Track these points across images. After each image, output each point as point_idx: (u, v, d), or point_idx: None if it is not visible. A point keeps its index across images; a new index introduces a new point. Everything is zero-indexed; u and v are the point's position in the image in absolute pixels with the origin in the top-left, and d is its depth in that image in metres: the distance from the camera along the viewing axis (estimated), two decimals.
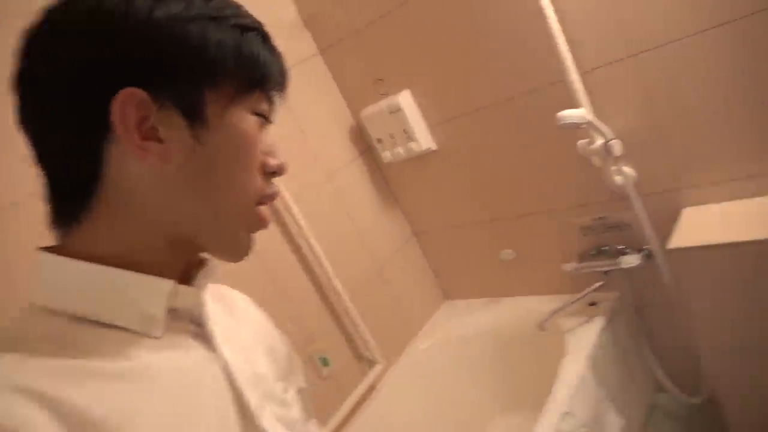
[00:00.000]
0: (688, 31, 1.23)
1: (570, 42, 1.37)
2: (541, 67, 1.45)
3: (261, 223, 0.59)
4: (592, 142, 1.44)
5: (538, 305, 1.83)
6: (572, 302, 1.62)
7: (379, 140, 1.80)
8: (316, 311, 1.75)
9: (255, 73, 0.55)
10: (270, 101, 0.59)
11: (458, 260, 2.04)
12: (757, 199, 1.30)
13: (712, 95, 1.27)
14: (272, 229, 1.65)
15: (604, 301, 1.67)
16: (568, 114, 1.33)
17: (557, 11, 1.35)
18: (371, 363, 1.82)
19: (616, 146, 1.40)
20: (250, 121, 0.56)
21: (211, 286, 0.62)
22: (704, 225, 1.32)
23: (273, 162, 0.59)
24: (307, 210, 1.70)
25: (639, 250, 1.55)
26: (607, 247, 1.61)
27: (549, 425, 1.34)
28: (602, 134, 1.39)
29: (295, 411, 0.66)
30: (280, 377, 0.67)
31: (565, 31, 1.37)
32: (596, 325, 1.59)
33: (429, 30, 1.59)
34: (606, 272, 1.58)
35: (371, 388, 1.82)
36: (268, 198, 0.59)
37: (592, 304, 1.69)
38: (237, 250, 0.59)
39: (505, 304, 1.96)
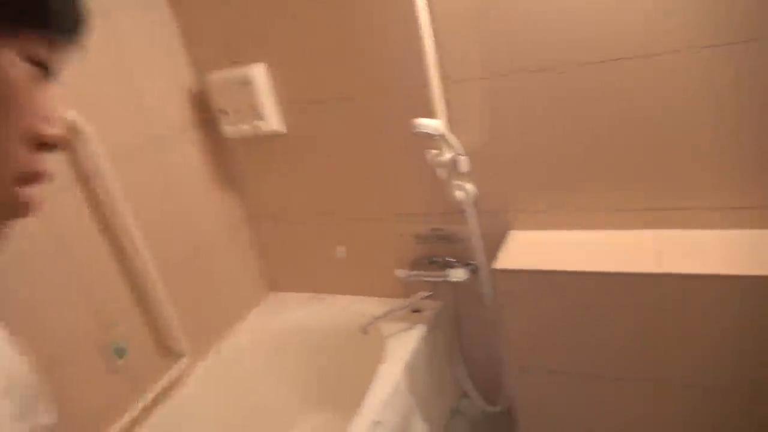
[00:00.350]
0: (542, 65, 1.30)
1: (439, 49, 1.36)
2: (406, 70, 1.42)
3: (20, 209, 0.45)
4: (441, 155, 1.44)
5: (365, 307, 1.81)
6: (398, 309, 1.63)
7: (224, 112, 1.62)
8: (117, 292, 1.51)
9: (27, 3, 0.41)
10: (53, 48, 0.44)
11: (290, 251, 1.94)
12: (580, 232, 1.42)
13: (550, 127, 1.35)
14: (71, 190, 1.38)
15: (428, 309, 1.71)
16: (425, 123, 1.31)
17: (432, 15, 1.33)
18: (177, 356, 1.63)
19: (463, 162, 1.42)
20: (19, 68, 0.42)
21: None
22: (529, 249, 1.40)
23: (48, 131, 0.45)
24: (123, 174, 1.46)
25: (466, 264, 1.61)
26: (438, 259, 1.65)
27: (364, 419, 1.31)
28: (452, 148, 1.41)
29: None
30: (18, 416, 0.52)
31: (435, 37, 1.35)
32: (417, 333, 1.62)
33: (298, 3, 1.47)
34: (435, 282, 1.62)
35: (175, 383, 1.64)
36: (34, 178, 0.45)
37: (417, 311, 1.72)
38: None
39: (333, 302, 1.91)
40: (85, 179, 1.39)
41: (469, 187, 1.50)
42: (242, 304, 1.94)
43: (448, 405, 1.86)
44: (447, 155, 1.44)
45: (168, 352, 1.63)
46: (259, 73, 1.54)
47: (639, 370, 1.29)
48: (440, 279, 1.59)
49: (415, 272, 1.63)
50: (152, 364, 1.59)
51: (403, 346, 1.58)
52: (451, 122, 1.44)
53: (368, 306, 1.82)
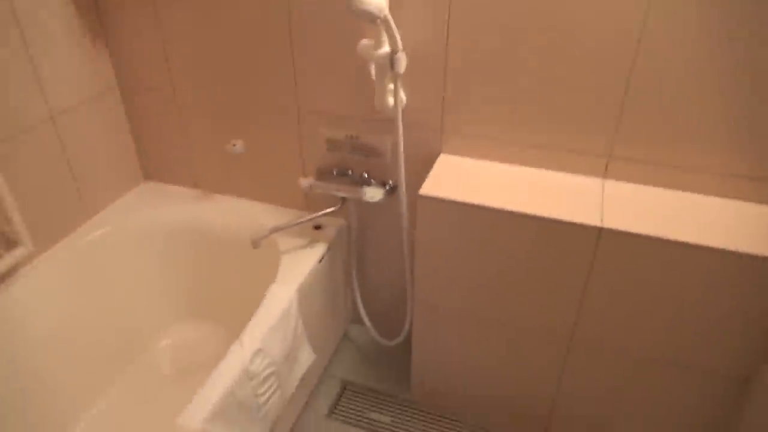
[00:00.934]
0: None
1: None
2: None
3: None
4: (377, 47, 1.18)
5: (261, 215, 1.57)
6: (297, 223, 1.40)
7: None
8: None
9: None
10: None
11: (174, 137, 1.61)
12: (522, 168, 1.25)
13: (507, 41, 1.13)
14: None
15: (331, 226, 1.50)
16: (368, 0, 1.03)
17: None
18: (12, 243, 1.30)
19: (401, 61, 1.16)
20: None
21: None
22: (459, 179, 1.22)
23: None
24: None
25: (383, 184, 1.40)
26: (350, 172, 1.42)
27: (238, 362, 1.11)
28: (393, 41, 1.14)
29: None
30: None
31: None
32: (315, 253, 1.41)
33: None
34: (342, 198, 1.40)
35: (8, 274, 1.32)
36: None
37: (318, 227, 1.50)
38: None
39: (222, 203, 1.64)
40: None
41: (402, 93, 1.26)
42: (106, 190, 1.61)
43: (339, 330, 1.72)
44: (384, 49, 1.17)
45: (2, 237, 1.29)
46: None
47: (546, 323, 1.20)
48: (349, 195, 1.37)
49: (322, 183, 1.40)
50: None
51: (298, 266, 1.37)
52: (395, 6, 1.17)
53: (265, 214, 1.57)
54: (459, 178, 1.21)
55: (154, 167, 1.71)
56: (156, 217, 1.61)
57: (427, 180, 1.20)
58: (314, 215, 1.40)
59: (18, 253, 1.30)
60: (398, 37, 1.13)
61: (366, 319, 1.62)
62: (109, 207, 1.61)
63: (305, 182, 1.39)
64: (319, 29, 1.26)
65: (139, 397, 1.52)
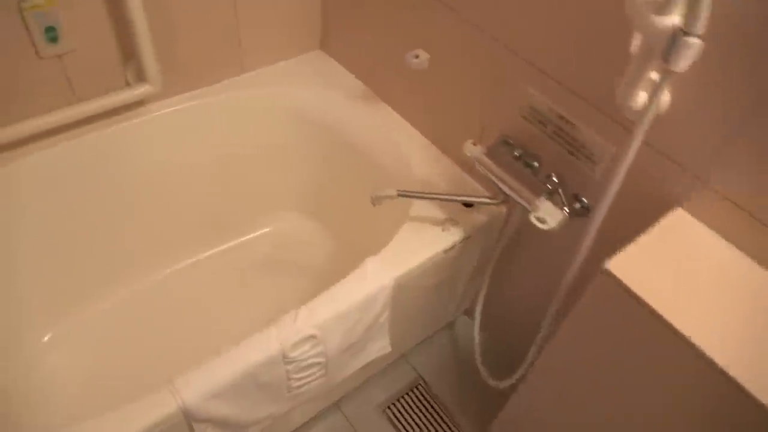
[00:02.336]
0: None
1: None
2: None
3: None
4: (660, 11, 0.68)
5: (414, 151, 1.24)
6: (434, 197, 1.04)
7: None
8: None
9: None
10: None
11: (362, 20, 1.29)
12: None
13: None
14: None
15: (482, 211, 1.12)
16: None
17: None
18: (139, 76, 1.15)
19: (690, 52, 0.67)
20: None
21: None
22: (678, 261, 0.75)
23: None
24: None
25: (572, 201, 0.96)
26: (536, 164, 0.99)
27: (275, 343, 0.88)
28: (693, 14, 0.64)
29: None
30: None
31: None
32: (445, 239, 1.06)
33: None
34: (508, 195, 0.99)
35: (130, 108, 1.19)
36: None
37: (468, 204, 1.13)
38: None
39: (379, 114, 1.32)
40: None
41: (666, 95, 0.77)
42: (271, 49, 1.37)
43: (442, 320, 1.41)
44: (670, 18, 0.68)
45: (129, 69, 1.14)
46: None
47: None
48: (516, 198, 0.96)
49: (490, 163, 0.99)
50: (100, 74, 1.12)
51: (415, 247, 1.04)
52: None
53: (420, 153, 1.24)
54: (685, 264, 0.74)
55: (335, 38, 1.42)
56: (305, 98, 1.36)
57: (629, 247, 0.75)
58: (462, 196, 1.03)
59: (143, 90, 1.15)
60: (704, 13, 0.63)
61: (476, 337, 1.27)
62: (266, 68, 1.39)
63: (471, 151, 1.00)
64: None
65: (219, 276, 1.42)
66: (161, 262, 1.39)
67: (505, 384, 1.16)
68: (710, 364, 0.64)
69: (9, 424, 1.08)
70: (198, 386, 0.82)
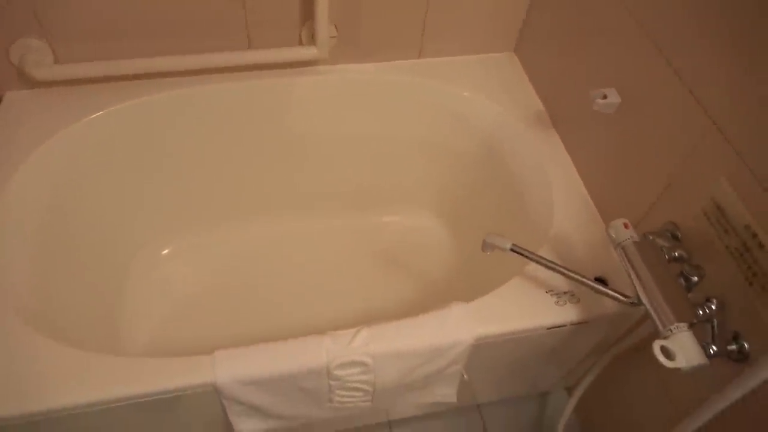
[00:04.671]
0: None
1: None
2: None
3: None
4: None
5: (563, 192, 1.07)
6: (554, 268, 0.87)
7: None
8: None
9: None
10: None
11: (560, 34, 1.12)
12: None
13: None
14: None
15: (612, 302, 0.92)
16: None
17: None
18: (312, 39, 1.13)
19: None
20: None
21: None
22: None
23: None
24: None
25: (734, 338, 0.73)
26: (696, 279, 0.77)
27: (321, 355, 0.82)
28: None
29: None
30: None
31: None
32: (559, 317, 0.90)
33: None
34: (641, 302, 0.79)
35: (291, 65, 1.19)
36: None
37: (602, 280, 0.94)
38: None
39: (546, 141, 1.16)
40: None
41: None
42: (462, 33, 1.26)
43: (536, 388, 1.24)
44: None
45: (302, 26, 1.13)
46: None
47: None
48: (650, 308, 0.76)
49: (636, 252, 0.79)
50: (276, 28, 1.12)
51: (514, 309, 0.90)
52: None
53: (569, 198, 1.06)
54: None
55: (531, 45, 1.27)
56: (474, 102, 1.24)
57: None
58: (588, 280, 0.85)
59: (308, 52, 1.14)
60: None
61: (565, 416, 1.10)
62: (447, 58, 1.29)
63: (618, 233, 0.81)
64: None
65: (331, 248, 1.41)
66: (287, 215, 1.42)
67: None
68: None
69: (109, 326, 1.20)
70: (234, 369, 0.80)
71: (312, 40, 1.13)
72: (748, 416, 0.73)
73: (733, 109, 0.72)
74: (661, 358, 0.67)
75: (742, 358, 0.74)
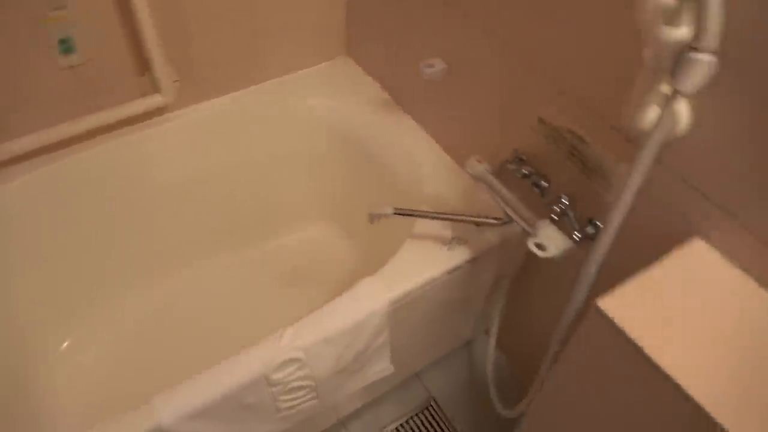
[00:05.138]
0: None
1: None
2: None
3: None
4: (673, 22, 0.60)
5: (427, 158, 1.19)
6: (433, 216, 0.98)
7: None
8: None
9: None
10: None
11: (383, 26, 1.25)
12: None
13: None
14: None
15: (495, 230, 1.05)
16: None
17: None
18: (154, 86, 1.16)
19: (699, 70, 0.58)
20: None
21: None
22: (682, 294, 0.66)
23: None
24: None
25: (589, 221, 0.87)
26: (544, 183, 0.91)
27: (257, 364, 0.85)
28: (703, 25, 0.56)
29: None
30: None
31: None
32: (448, 259, 1.00)
33: None
34: (509, 216, 0.92)
35: (142, 119, 1.21)
36: None
37: (479, 223, 1.06)
38: None
39: (397, 122, 1.27)
40: None
41: (681, 108, 0.67)
42: (294, 50, 1.35)
43: (458, 339, 1.35)
44: (680, 30, 0.59)
45: (141, 77, 1.15)
46: None
47: None
48: (518, 221, 0.89)
49: (494, 181, 0.93)
50: (116, 83, 1.14)
51: (414, 267, 0.99)
52: None
53: (434, 164, 1.18)
54: (692, 299, 0.65)
55: (360, 44, 1.39)
56: (325, 107, 1.33)
57: (632, 280, 0.66)
58: (463, 216, 0.97)
59: (154, 100, 1.16)
60: (714, 24, 0.55)
61: (490, 360, 1.20)
62: (288, 76, 1.37)
63: (474, 168, 0.93)
64: None
65: (238, 284, 1.42)
66: (179, 268, 1.41)
67: (513, 413, 1.08)
68: (696, 407, 0.55)
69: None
70: (176, 406, 0.81)
71: (156, 88, 1.16)
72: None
73: (540, 47, 0.88)
74: (536, 251, 0.79)
75: (583, 241, 0.88)
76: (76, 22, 1.02)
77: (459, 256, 1.01)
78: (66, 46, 1.04)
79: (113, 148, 1.18)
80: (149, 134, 1.21)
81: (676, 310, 0.64)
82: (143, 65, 1.13)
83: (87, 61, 1.08)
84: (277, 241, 1.50)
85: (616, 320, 0.63)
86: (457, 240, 1.02)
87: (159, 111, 1.21)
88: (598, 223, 0.87)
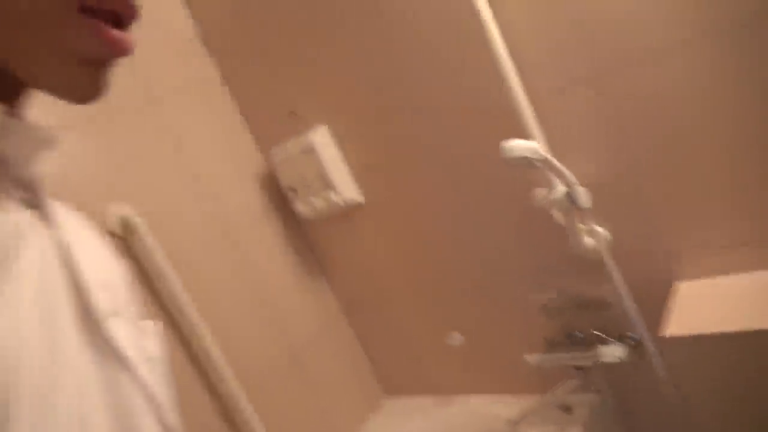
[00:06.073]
0: (668, 43, 0.92)
1: (517, 61, 1.06)
2: (483, 96, 1.12)
3: (101, 42, 0.37)
4: (551, 190, 1.08)
5: (501, 408, 1.41)
6: (539, 409, 1.20)
7: (292, 189, 1.44)
8: (198, 409, 1.31)
9: None
10: None
11: (398, 345, 1.63)
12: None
13: (703, 130, 0.93)
14: None
15: (581, 405, 1.25)
16: (516, 145, 0.98)
17: (501, 25, 1.05)
18: None
19: (582, 195, 1.04)
20: None
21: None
22: (705, 305, 0.94)
23: None
24: (194, 276, 1.31)
25: (622, 338, 1.15)
26: (580, 334, 1.22)
27: None
28: (563, 178, 1.04)
29: (154, 346, 0.49)
30: (132, 302, 0.50)
31: (510, 49, 1.06)
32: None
33: (348, 50, 1.27)
34: (583, 368, 1.18)
35: None
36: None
37: (567, 409, 1.27)
38: (69, 83, 0.38)
39: (459, 406, 1.52)
40: (145, 280, 1.26)
41: (600, 230, 1.10)
42: (354, 415, 1.64)
43: None
44: (559, 190, 1.07)
45: None
46: (321, 137, 1.34)
47: None
48: (586, 362, 1.15)
49: (550, 356, 1.21)
50: None
51: None
52: (553, 146, 1.09)
53: (504, 407, 1.40)
54: (707, 303, 0.93)
55: (391, 381, 1.72)
56: None
57: (669, 317, 0.95)
58: (555, 394, 1.19)
59: None
60: (569, 174, 1.03)
61: None
62: (359, 431, 1.62)
63: (532, 358, 1.22)
64: (501, 193, 1.23)
65: None
66: None
67: None
68: None
69: None
70: None
71: None
72: None
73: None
74: (612, 360, 1.04)
75: (640, 343, 1.15)
76: None
77: None
78: None
79: None
80: None
81: (714, 306, 0.93)
82: None
83: None
84: None
85: (698, 331, 0.89)
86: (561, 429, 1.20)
87: None
88: (629, 333, 1.16)
